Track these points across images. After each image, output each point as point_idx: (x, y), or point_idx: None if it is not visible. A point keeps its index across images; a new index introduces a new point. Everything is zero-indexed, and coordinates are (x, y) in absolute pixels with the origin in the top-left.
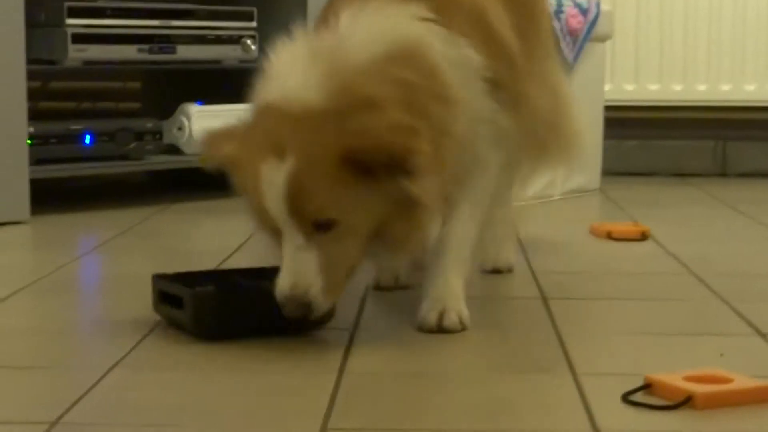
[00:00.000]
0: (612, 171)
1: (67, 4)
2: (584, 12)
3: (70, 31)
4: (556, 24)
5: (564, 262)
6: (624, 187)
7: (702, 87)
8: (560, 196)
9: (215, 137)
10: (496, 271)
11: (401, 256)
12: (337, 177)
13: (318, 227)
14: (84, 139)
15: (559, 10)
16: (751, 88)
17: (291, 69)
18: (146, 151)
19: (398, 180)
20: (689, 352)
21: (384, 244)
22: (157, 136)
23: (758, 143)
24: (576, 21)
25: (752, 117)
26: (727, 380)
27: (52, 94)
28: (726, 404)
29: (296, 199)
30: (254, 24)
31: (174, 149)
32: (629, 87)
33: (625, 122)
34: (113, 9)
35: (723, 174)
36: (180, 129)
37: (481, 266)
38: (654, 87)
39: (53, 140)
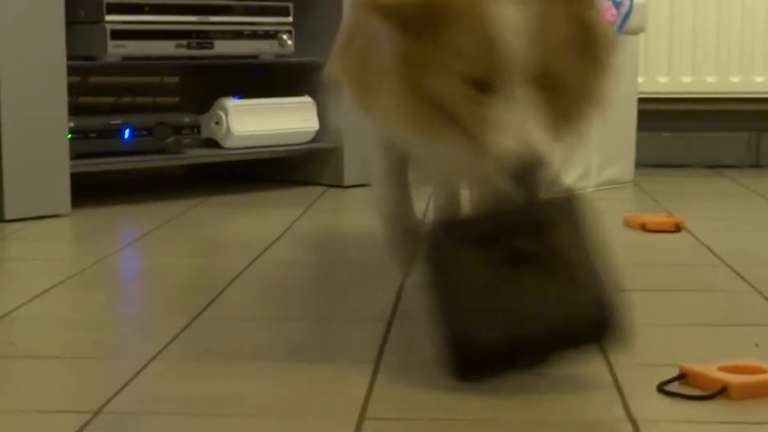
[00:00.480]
0: (647, 163)
1: (106, 0)
2: (617, 5)
3: (108, 27)
4: None
5: None
6: (659, 179)
7: (735, 79)
8: (594, 188)
9: None
10: None
11: (568, 124)
12: (566, 29)
13: (540, 77)
14: (123, 133)
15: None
16: None
17: None
18: (184, 145)
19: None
20: (724, 342)
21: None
22: (195, 130)
23: None
24: (610, 14)
25: None
26: (762, 371)
27: (91, 89)
28: (760, 394)
29: (536, 40)
30: (290, 19)
31: (212, 143)
32: (663, 79)
33: (659, 114)
34: (151, 5)
35: (757, 165)
36: (217, 123)
37: None
38: (687, 79)
39: (93, 135)
